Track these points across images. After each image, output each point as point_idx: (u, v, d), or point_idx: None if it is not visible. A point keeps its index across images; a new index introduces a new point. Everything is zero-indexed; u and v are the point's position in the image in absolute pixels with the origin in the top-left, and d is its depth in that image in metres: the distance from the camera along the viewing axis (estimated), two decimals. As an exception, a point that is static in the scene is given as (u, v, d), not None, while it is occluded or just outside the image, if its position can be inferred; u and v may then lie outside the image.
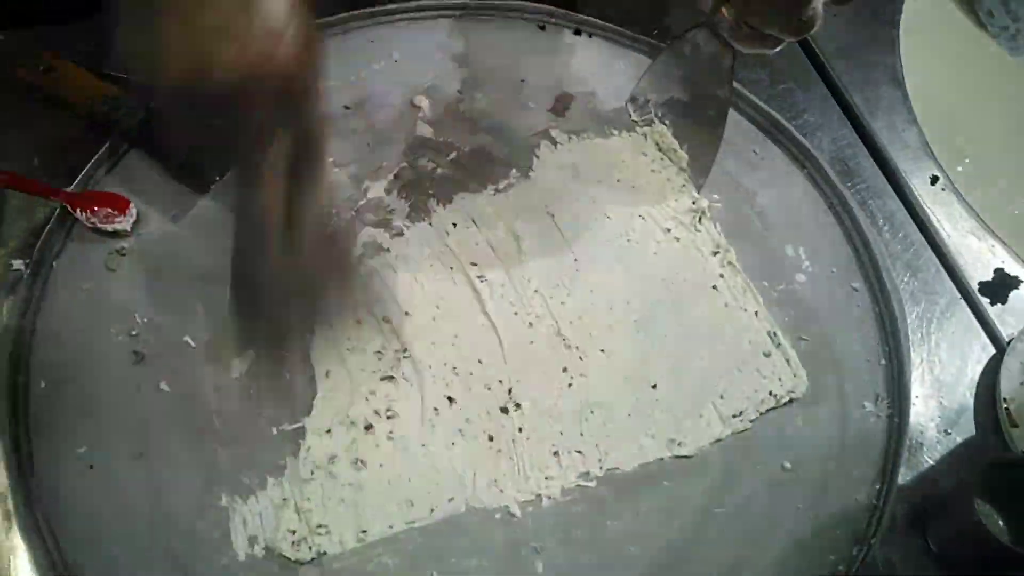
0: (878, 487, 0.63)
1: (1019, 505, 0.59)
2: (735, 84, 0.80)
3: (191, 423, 0.61)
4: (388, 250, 0.69)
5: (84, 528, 0.56)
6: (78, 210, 0.67)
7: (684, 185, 0.75)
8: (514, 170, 0.75)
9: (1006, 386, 0.66)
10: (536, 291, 0.69)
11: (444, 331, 0.66)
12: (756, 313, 0.69)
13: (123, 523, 0.57)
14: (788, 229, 0.74)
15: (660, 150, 0.77)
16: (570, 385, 0.64)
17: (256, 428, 0.61)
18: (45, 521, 0.56)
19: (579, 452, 0.62)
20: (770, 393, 0.66)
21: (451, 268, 0.69)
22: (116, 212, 0.68)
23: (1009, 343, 0.68)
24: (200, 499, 0.58)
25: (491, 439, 0.62)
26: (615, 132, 0.78)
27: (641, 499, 0.61)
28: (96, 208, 0.68)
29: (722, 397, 0.65)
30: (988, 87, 0.87)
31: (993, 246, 0.74)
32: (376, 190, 0.72)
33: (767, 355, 0.67)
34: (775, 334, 0.68)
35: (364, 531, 0.58)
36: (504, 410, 0.63)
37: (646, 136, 0.78)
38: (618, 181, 0.75)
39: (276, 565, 0.56)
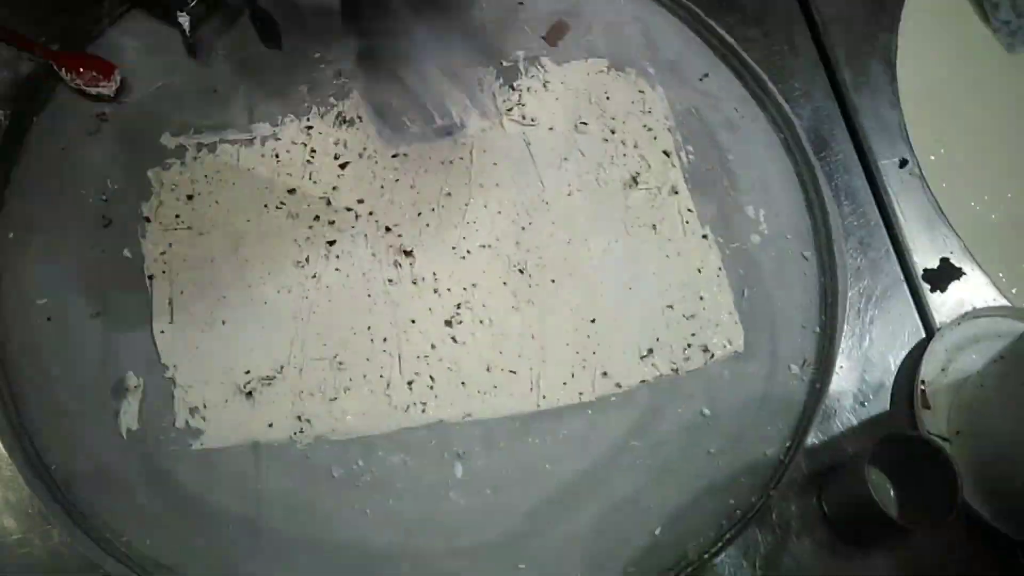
0: (788, 445, 0.66)
1: (910, 480, 0.62)
2: (731, 38, 0.81)
3: (151, 293, 0.63)
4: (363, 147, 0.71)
5: (34, 374, 0.60)
6: (63, 70, 0.69)
7: (663, 132, 0.77)
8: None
9: (927, 369, 0.69)
10: (499, 212, 0.71)
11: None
12: (702, 268, 0.72)
13: (72, 376, 0.60)
14: (752, 190, 0.76)
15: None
16: (515, 308, 0.67)
17: (211, 305, 0.64)
18: (-1, 362, 0.59)
19: (512, 372, 0.65)
20: (704, 346, 0.69)
21: (421, 170, 0.71)
22: (101, 76, 0.69)
23: (939, 330, 0.71)
24: (149, 366, 0.61)
25: (433, 347, 0.65)
26: (604, 70, 0.79)
27: (564, 422, 0.64)
28: (82, 70, 0.69)
29: (658, 339, 0.68)
30: (978, 81, 0.87)
31: (946, 236, 0.76)
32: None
33: (708, 307, 0.70)
34: (720, 288, 0.71)
35: (300, 417, 0.61)
36: (448, 323, 0.66)
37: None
38: (598, 119, 0.76)
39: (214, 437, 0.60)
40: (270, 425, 0.60)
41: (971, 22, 0.91)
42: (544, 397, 0.65)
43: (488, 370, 0.65)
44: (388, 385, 0.63)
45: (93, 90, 0.69)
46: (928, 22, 0.89)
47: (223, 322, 0.63)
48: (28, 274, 0.63)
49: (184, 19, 0.71)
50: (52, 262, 0.63)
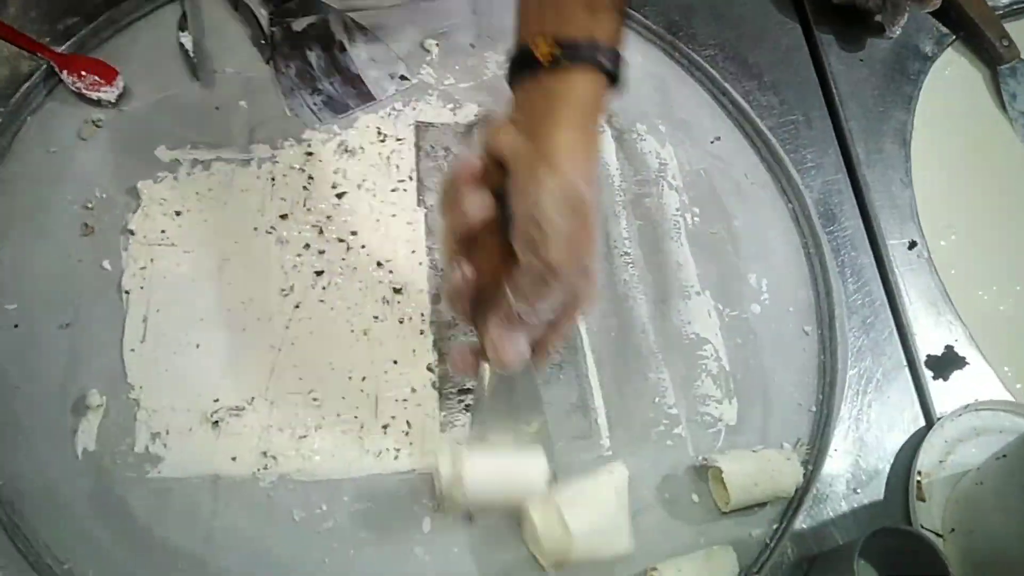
0: (775, 527, 0.63)
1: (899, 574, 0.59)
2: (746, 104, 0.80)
3: (125, 309, 0.61)
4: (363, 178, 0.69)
5: (-6, 381, 0.57)
6: (65, 72, 0.67)
7: (670, 192, 0.75)
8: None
9: (924, 460, 0.67)
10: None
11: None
12: (697, 333, 0.70)
13: (32, 387, 0.57)
14: (757, 258, 0.74)
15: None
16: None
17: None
18: (-43, 367, 0.57)
19: (494, 424, 0.62)
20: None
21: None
22: (103, 81, 0.68)
23: (939, 419, 0.69)
24: (114, 385, 0.58)
25: (413, 391, 0.62)
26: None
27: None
28: (83, 73, 0.67)
29: (653, 402, 0.66)
30: (992, 169, 0.86)
31: (951, 323, 0.74)
32: (365, 120, 0.72)
33: (710, 376, 0.68)
34: (719, 357, 0.69)
35: (265, 453, 0.58)
36: (430, 368, 0.63)
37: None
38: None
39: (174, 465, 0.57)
40: (233, 459, 0.57)
41: (988, 109, 0.90)
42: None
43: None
44: (362, 427, 0.60)
45: (94, 95, 0.67)
46: (944, 105, 0.88)
47: (197, 345, 0.60)
48: (0, 277, 0.60)
49: (187, 39, 0.69)
50: (27, 267, 0.61)
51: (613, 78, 0.48)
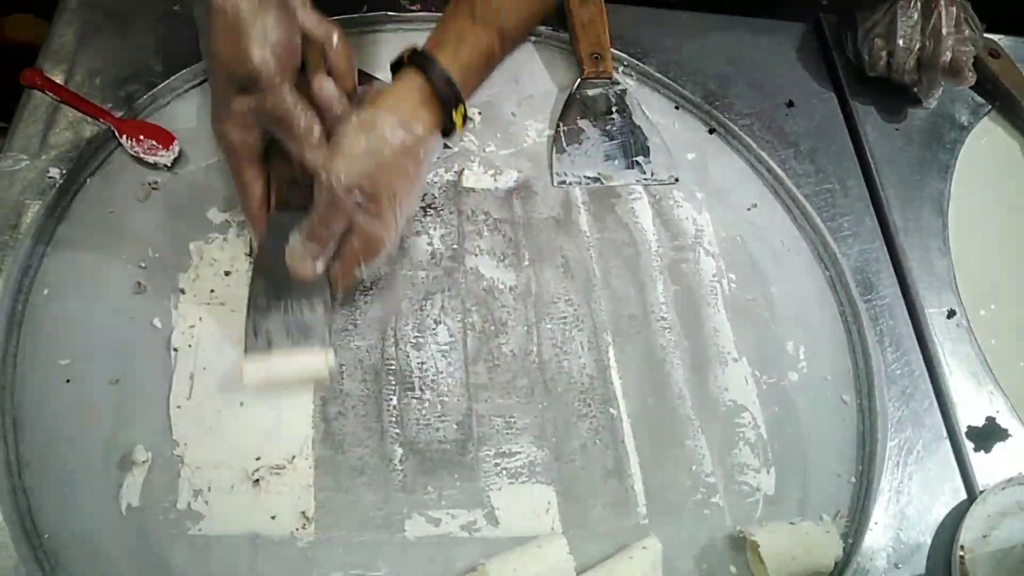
0: (814, 601, 0.62)
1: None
2: (782, 172, 0.81)
3: (173, 366, 0.62)
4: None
5: (44, 436, 0.58)
6: (124, 136, 0.70)
7: (706, 259, 0.76)
8: (548, 210, 0.76)
9: (967, 535, 0.65)
10: (534, 321, 0.70)
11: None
12: (734, 400, 0.69)
13: (81, 443, 0.59)
14: (794, 325, 0.74)
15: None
16: (536, 419, 0.65)
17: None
18: (11, 418, 0.58)
19: (529, 491, 0.62)
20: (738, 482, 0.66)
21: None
22: (160, 145, 0.71)
23: (981, 493, 0.68)
24: (160, 442, 0.59)
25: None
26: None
27: (576, 549, 0.60)
28: (141, 138, 0.70)
29: (691, 470, 0.65)
30: (1033, 240, 0.86)
31: (992, 393, 0.74)
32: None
33: (748, 444, 0.68)
34: (757, 425, 0.68)
35: (304, 513, 0.59)
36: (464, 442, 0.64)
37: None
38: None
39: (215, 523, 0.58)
40: (273, 517, 0.58)
41: (1025, 177, 0.90)
42: (559, 521, 0.62)
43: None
44: (404, 488, 0.61)
45: (151, 158, 0.70)
46: (981, 174, 0.88)
47: (241, 404, 0.62)
48: (55, 333, 0.62)
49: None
50: (80, 324, 0.63)
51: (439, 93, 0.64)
